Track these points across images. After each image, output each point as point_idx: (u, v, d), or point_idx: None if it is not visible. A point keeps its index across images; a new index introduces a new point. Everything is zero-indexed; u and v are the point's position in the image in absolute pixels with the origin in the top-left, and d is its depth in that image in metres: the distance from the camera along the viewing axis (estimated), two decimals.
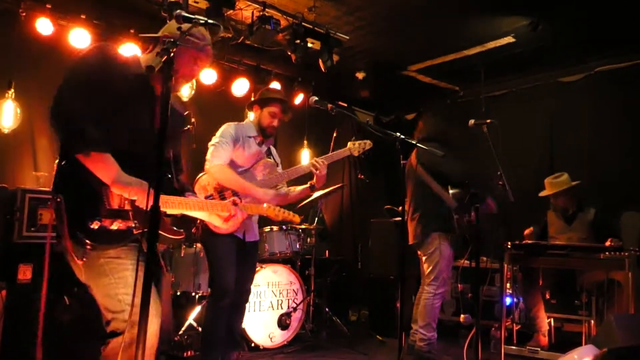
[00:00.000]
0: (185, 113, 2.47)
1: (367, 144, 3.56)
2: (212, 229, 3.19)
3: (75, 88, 1.98)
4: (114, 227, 2.01)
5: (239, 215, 2.41)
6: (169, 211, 2.18)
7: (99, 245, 1.99)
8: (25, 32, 4.49)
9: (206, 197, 3.14)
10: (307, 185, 3.49)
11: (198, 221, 3.31)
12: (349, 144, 3.57)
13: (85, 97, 1.96)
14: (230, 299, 3.27)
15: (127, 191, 2.01)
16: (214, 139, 3.38)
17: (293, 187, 3.65)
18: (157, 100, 2.14)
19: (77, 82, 2.01)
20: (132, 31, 4.91)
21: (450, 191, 4.00)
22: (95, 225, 1.96)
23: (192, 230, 3.36)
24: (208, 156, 3.31)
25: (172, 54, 1.86)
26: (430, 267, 4.07)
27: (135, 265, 1.94)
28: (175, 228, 2.24)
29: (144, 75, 2.13)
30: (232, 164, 3.34)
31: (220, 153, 3.31)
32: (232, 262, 3.29)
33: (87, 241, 1.95)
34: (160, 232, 2.11)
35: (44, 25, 4.48)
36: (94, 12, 4.75)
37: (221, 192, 3.25)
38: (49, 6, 4.51)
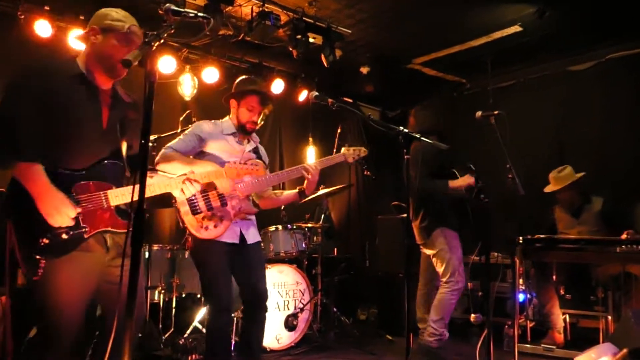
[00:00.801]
0: (131, 100, 2.45)
1: (362, 151, 3.41)
2: (202, 237, 2.98)
3: (5, 103, 2.08)
4: (65, 236, 2.07)
5: (195, 186, 2.49)
6: (118, 202, 2.21)
7: (52, 258, 2.05)
8: (24, 34, 4.46)
9: (188, 200, 2.96)
10: (296, 190, 3.31)
11: (187, 232, 3.08)
12: (344, 149, 3.41)
13: (14, 111, 2.05)
14: (229, 314, 3.07)
15: (46, 214, 2.03)
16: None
17: (280, 191, 3.47)
18: (102, 95, 2.27)
19: (7, 98, 2.08)
20: None
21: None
22: (45, 241, 2.03)
23: (182, 242, 3.20)
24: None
25: (154, 47, 1.78)
26: (444, 265, 3.97)
27: (76, 276, 2.08)
28: (123, 220, 2.25)
29: (80, 75, 2.22)
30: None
31: (176, 143, 3.09)
32: (226, 275, 3.04)
33: (39, 257, 2.02)
34: (108, 229, 2.20)
35: (42, 28, 4.45)
36: (93, 13, 4.67)
37: (205, 191, 3.01)
38: (47, 8, 4.47)
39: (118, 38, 2.22)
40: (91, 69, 2.25)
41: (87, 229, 2.12)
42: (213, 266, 3.03)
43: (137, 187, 1.71)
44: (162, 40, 1.83)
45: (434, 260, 4.08)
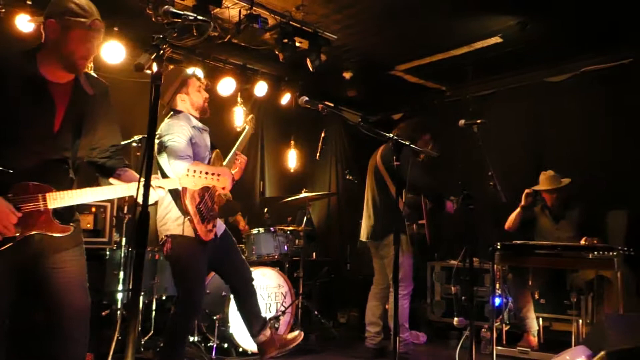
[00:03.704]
0: (94, 93, 2.26)
1: (250, 118, 3.70)
2: (208, 238, 3.04)
3: None
4: None
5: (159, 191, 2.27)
6: (57, 205, 2.09)
7: None
8: (5, 29, 4.35)
9: (196, 207, 2.97)
10: None
11: (165, 236, 3.11)
12: (247, 121, 3.66)
13: None
14: (199, 315, 3.24)
15: None
16: (166, 139, 2.98)
17: None
18: (58, 94, 2.12)
19: None
20: (115, 29, 4.80)
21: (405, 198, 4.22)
22: None
23: (160, 244, 3.18)
24: (170, 163, 2.92)
25: (161, 52, 1.78)
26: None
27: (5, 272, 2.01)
28: (60, 224, 2.12)
29: (34, 76, 2.06)
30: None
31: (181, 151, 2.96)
32: (204, 283, 3.22)
33: None
34: (42, 232, 2.07)
35: (24, 22, 4.35)
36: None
37: (202, 196, 3.03)
38: (29, 2, 4.38)
39: (80, 34, 2.05)
40: (48, 64, 2.09)
41: (20, 232, 2.02)
42: (196, 273, 3.12)
43: (141, 190, 1.72)
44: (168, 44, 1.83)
45: (386, 262, 4.23)
